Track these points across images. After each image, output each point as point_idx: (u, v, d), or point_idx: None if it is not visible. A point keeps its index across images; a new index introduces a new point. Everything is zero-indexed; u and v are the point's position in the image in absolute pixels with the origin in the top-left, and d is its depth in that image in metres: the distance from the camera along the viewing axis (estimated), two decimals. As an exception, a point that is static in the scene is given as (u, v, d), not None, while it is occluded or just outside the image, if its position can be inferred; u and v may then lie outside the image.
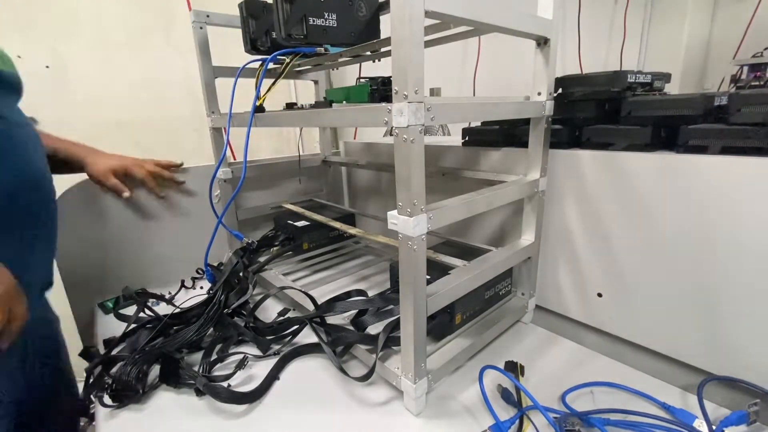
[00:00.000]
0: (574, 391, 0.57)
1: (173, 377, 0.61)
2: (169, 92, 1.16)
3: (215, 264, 0.93)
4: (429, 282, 0.53)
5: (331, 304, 0.70)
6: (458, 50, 1.52)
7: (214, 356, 0.66)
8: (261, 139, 1.37)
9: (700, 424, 0.50)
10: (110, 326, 0.77)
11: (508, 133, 0.77)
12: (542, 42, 0.60)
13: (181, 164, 0.94)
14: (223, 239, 1.03)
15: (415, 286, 0.49)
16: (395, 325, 0.61)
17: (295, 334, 0.72)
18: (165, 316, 0.72)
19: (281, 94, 1.34)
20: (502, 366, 0.61)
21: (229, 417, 0.56)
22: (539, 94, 0.63)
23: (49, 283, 0.68)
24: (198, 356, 0.66)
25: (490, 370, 0.60)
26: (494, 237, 0.83)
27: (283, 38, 0.65)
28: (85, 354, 0.66)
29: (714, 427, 0.48)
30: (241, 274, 0.84)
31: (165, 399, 0.60)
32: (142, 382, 0.60)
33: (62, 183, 0.75)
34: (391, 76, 0.44)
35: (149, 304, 0.80)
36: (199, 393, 0.59)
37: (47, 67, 1.13)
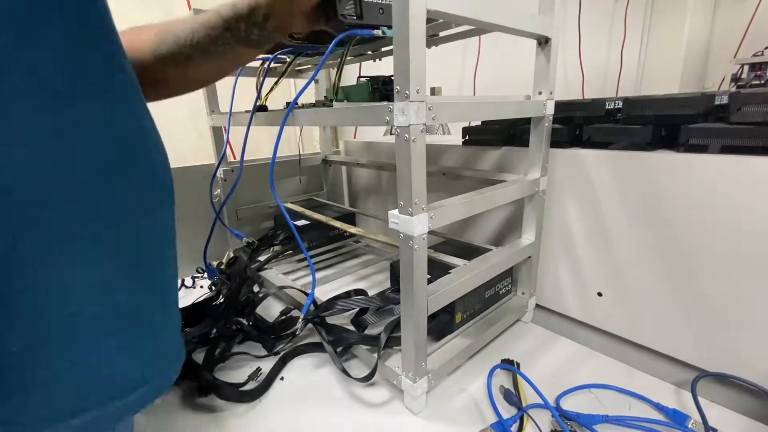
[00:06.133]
0: (568, 393, 0.57)
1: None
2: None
3: (214, 263, 0.93)
4: (429, 281, 0.53)
5: (332, 303, 0.71)
6: (458, 49, 1.52)
7: (217, 354, 0.66)
8: (261, 138, 1.37)
9: (693, 423, 0.50)
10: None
11: (508, 132, 0.77)
12: (543, 41, 0.60)
13: None
14: (222, 238, 1.03)
15: (415, 285, 0.49)
16: (396, 325, 0.61)
17: (295, 333, 0.72)
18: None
19: (281, 93, 1.33)
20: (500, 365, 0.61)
21: (231, 415, 0.56)
22: (540, 93, 0.63)
23: None
24: (200, 353, 0.66)
25: (494, 370, 0.60)
26: (495, 236, 0.83)
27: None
28: None
29: (708, 422, 0.49)
30: (246, 272, 0.84)
31: (166, 395, 0.60)
32: None
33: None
34: (391, 76, 0.44)
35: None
36: (202, 390, 0.59)
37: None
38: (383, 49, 0.78)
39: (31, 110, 0.22)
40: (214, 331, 0.71)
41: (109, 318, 0.28)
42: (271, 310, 0.83)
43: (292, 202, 1.12)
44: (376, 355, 0.59)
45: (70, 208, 0.25)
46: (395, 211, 0.48)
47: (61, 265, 0.25)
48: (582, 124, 0.69)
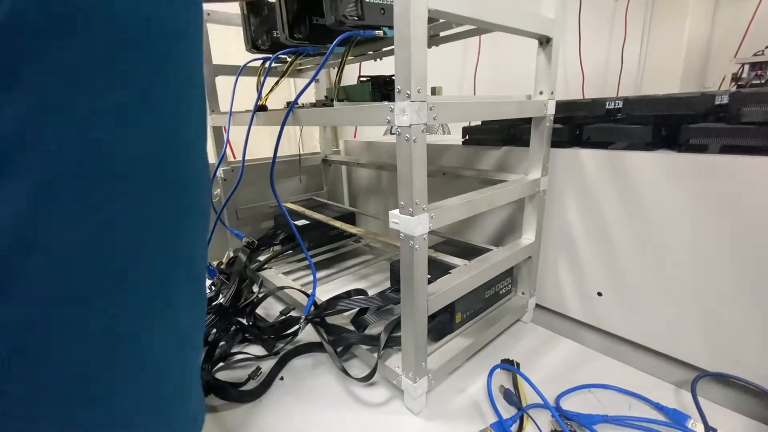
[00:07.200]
0: (568, 393, 0.57)
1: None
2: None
3: (214, 263, 0.93)
4: (430, 281, 0.53)
5: (332, 303, 0.70)
6: (458, 49, 1.52)
7: (216, 354, 0.66)
8: (261, 138, 1.37)
9: (693, 423, 0.50)
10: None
11: (508, 132, 0.77)
12: (545, 41, 0.60)
13: None
14: (222, 238, 1.03)
15: (416, 285, 0.49)
16: (396, 325, 0.61)
17: (296, 333, 0.72)
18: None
19: (282, 93, 1.33)
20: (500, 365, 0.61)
21: (231, 415, 0.56)
22: (541, 93, 0.62)
23: None
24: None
25: (494, 370, 0.60)
26: (495, 236, 0.83)
27: (333, 21, 0.55)
28: None
29: (708, 422, 0.49)
30: (246, 272, 0.84)
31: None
32: None
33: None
34: (392, 76, 0.44)
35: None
36: (202, 390, 0.59)
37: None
38: (384, 49, 0.78)
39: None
40: (214, 331, 0.71)
41: (190, 365, 0.28)
42: (271, 310, 0.83)
43: (292, 202, 1.12)
44: (376, 355, 0.59)
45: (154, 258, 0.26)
46: (396, 211, 0.48)
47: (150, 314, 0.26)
48: (582, 124, 0.69)
